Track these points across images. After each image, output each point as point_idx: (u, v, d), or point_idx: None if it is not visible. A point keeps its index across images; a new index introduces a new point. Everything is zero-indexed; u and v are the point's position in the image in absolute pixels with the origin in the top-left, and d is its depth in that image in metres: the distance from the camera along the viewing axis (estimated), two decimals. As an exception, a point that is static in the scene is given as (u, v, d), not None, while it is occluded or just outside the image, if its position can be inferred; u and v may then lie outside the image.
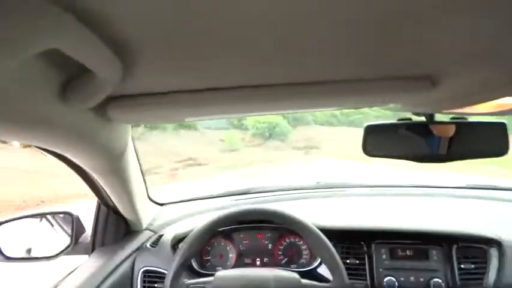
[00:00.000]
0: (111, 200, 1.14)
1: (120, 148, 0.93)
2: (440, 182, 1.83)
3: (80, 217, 1.23)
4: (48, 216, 1.23)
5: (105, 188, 1.06)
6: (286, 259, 1.27)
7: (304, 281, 0.98)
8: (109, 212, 1.21)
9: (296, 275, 0.99)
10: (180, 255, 0.99)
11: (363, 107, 0.94)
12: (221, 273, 1.00)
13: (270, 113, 0.89)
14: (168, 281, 0.96)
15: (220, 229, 1.22)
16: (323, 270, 1.17)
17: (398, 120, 1.02)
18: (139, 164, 1.22)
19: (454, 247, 1.15)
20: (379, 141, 1.03)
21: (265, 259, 1.28)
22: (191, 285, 0.97)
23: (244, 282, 0.95)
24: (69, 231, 1.21)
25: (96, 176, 0.99)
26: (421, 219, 1.32)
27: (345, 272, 0.98)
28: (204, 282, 0.97)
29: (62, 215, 1.23)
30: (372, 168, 7.23)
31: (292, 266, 1.26)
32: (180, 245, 1.03)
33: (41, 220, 1.22)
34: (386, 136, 1.03)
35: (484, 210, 1.46)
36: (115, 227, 1.24)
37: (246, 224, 1.28)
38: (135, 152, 1.17)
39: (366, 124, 1.05)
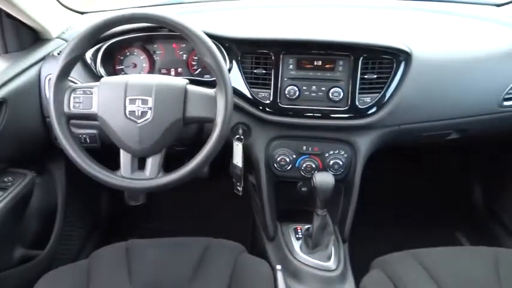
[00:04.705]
0: None
1: None
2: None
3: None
4: None
5: None
6: (199, 69, 1.27)
7: (190, 86, 0.98)
8: (1, 17, 1.13)
9: (184, 82, 0.98)
10: (62, 58, 0.95)
11: None
12: (106, 78, 1.00)
13: None
14: (52, 84, 0.95)
15: (133, 35, 1.20)
16: None
17: None
18: None
19: (362, 57, 1.13)
20: None
21: (180, 69, 1.27)
22: (78, 89, 0.97)
23: (127, 87, 0.95)
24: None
25: None
26: (335, 30, 1.26)
27: (228, 77, 0.96)
28: (89, 87, 0.98)
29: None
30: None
31: (206, 76, 1.26)
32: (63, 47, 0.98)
33: None
34: None
35: (410, 22, 1.40)
36: (15, 33, 1.18)
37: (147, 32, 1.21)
38: None
39: None
